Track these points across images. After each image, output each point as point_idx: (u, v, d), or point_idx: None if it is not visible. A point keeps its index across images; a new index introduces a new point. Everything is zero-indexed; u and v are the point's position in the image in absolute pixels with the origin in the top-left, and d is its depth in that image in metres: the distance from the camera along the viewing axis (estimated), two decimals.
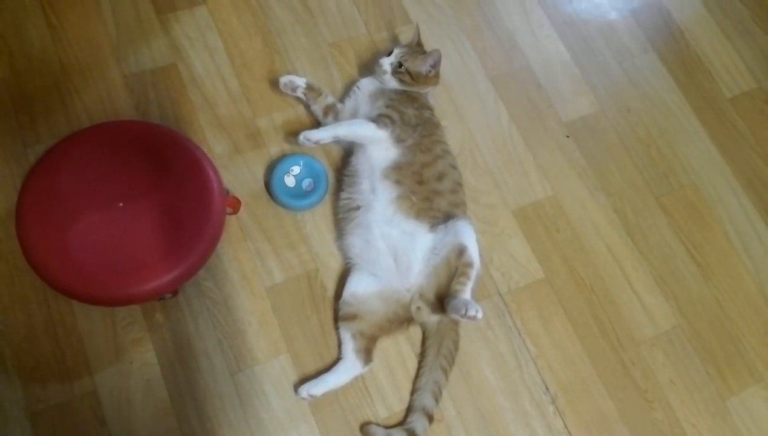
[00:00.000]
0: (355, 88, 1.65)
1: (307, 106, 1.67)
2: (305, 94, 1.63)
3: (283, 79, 1.63)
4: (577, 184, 1.75)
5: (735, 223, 1.77)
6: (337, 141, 1.59)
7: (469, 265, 1.40)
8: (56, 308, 1.41)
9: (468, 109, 1.79)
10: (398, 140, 1.50)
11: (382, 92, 1.60)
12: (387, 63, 1.60)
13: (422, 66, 1.59)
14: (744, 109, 1.93)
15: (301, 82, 1.63)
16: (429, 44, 1.84)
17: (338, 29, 1.81)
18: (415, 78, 1.59)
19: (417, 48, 1.66)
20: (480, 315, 1.30)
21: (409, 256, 1.44)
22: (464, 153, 1.73)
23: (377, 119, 1.51)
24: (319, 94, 1.64)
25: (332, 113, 1.63)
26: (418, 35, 1.68)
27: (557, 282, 1.62)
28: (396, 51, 1.61)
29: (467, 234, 1.43)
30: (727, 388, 1.58)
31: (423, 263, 1.44)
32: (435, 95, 1.70)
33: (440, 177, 1.50)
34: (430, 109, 1.63)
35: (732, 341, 1.63)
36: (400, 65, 1.59)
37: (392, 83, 1.60)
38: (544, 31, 1.94)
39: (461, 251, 1.40)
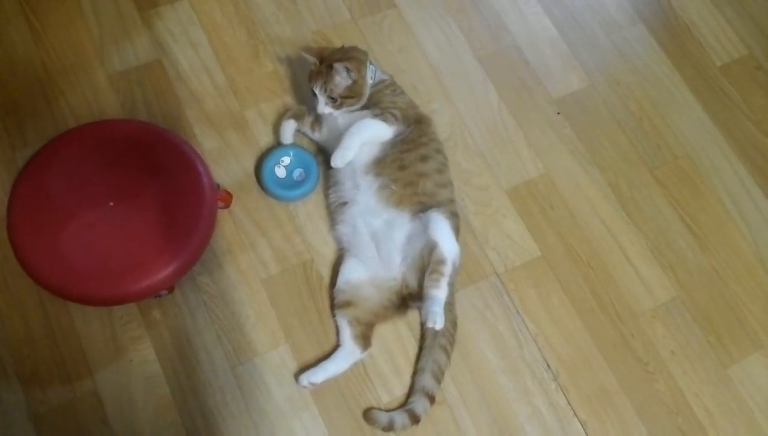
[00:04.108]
0: None
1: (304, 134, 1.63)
2: (300, 129, 1.60)
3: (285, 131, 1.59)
4: (569, 161, 1.74)
5: (730, 191, 1.76)
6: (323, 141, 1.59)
7: (441, 262, 1.35)
8: (53, 309, 1.41)
9: (456, 91, 1.77)
10: (398, 135, 1.49)
11: None
12: (325, 108, 1.50)
13: (343, 82, 1.47)
14: (735, 77, 1.91)
15: (291, 126, 1.57)
16: (415, 28, 1.84)
17: (322, 16, 1.80)
18: (354, 93, 1.49)
19: (322, 68, 1.49)
20: (438, 327, 1.30)
21: (389, 245, 1.43)
22: (455, 135, 1.72)
23: (384, 117, 1.48)
24: (303, 115, 1.59)
25: (317, 126, 1.59)
26: (308, 54, 1.52)
27: (553, 259, 1.62)
28: (316, 90, 1.49)
29: (439, 229, 1.38)
30: (728, 356, 1.58)
31: (403, 253, 1.43)
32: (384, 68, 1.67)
33: (424, 158, 1.48)
34: (402, 92, 1.60)
35: (731, 309, 1.63)
36: (335, 99, 1.49)
37: (349, 114, 1.52)
38: (531, 7, 1.92)
39: (432, 248, 1.36)
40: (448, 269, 1.35)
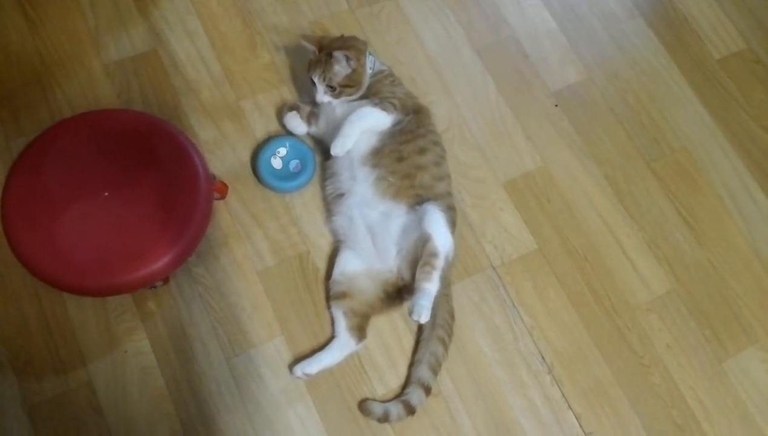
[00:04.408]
0: None
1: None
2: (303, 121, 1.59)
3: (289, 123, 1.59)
4: (566, 154, 1.73)
5: (727, 185, 1.76)
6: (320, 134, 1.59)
7: (433, 255, 1.33)
8: (47, 300, 1.41)
9: (454, 83, 1.77)
10: (396, 124, 1.48)
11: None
12: (324, 97, 1.50)
13: (343, 71, 1.47)
14: (733, 70, 1.91)
15: (295, 116, 1.57)
16: (413, 19, 1.83)
17: (319, 6, 1.79)
18: (353, 82, 1.49)
19: (321, 56, 1.49)
20: (422, 320, 1.28)
21: (385, 237, 1.42)
22: (452, 128, 1.71)
23: (383, 105, 1.47)
24: (298, 108, 1.58)
25: (313, 119, 1.58)
26: (307, 42, 1.52)
27: (550, 252, 1.61)
28: (315, 78, 1.49)
29: (433, 222, 1.36)
30: (723, 350, 1.58)
31: (398, 246, 1.42)
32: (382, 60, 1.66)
33: (422, 151, 1.47)
34: (401, 83, 1.60)
35: (727, 303, 1.63)
36: (334, 88, 1.49)
37: (348, 104, 1.51)
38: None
39: (425, 240, 1.34)
40: (440, 263, 1.33)
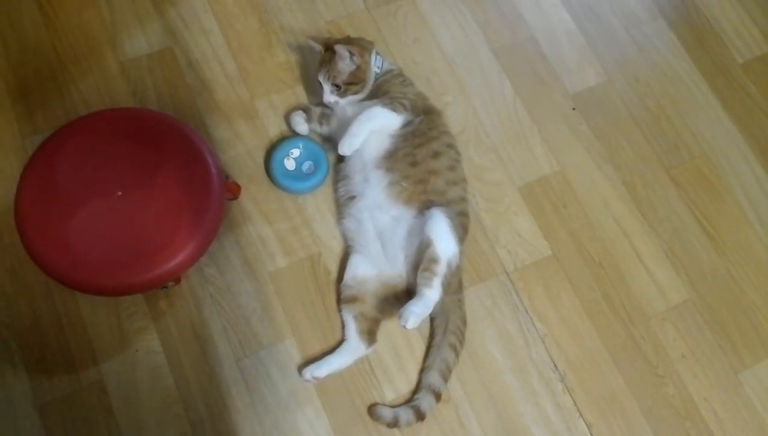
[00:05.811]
0: None
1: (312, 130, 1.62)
2: (308, 124, 1.58)
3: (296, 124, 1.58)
4: (584, 158, 1.71)
5: (748, 193, 1.72)
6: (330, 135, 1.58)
7: (434, 260, 1.32)
8: (60, 299, 1.41)
9: (471, 84, 1.74)
10: (406, 125, 1.46)
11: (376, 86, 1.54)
12: (331, 97, 1.51)
13: (346, 68, 1.48)
14: (757, 75, 1.87)
15: (300, 116, 1.57)
16: (430, 18, 1.81)
17: (335, 6, 1.77)
18: (357, 79, 1.50)
19: (326, 55, 1.51)
20: (408, 327, 1.26)
21: (393, 242, 1.41)
22: (468, 130, 1.69)
23: (393, 105, 1.46)
24: (310, 110, 1.58)
25: (325, 119, 1.57)
26: (314, 42, 1.54)
27: (565, 258, 1.59)
28: (321, 79, 1.51)
29: (436, 227, 1.34)
30: (739, 361, 1.55)
31: (405, 250, 1.41)
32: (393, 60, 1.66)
33: (436, 155, 1.45)
34: (411, 83, 1.59)
35: (745, 313, 1.60)
36: (339, 87, 1.50)
37: (358, 105, 1.51)
38: None
39: (427, 245, 1.33)
40: (441, 269, 1.31)
